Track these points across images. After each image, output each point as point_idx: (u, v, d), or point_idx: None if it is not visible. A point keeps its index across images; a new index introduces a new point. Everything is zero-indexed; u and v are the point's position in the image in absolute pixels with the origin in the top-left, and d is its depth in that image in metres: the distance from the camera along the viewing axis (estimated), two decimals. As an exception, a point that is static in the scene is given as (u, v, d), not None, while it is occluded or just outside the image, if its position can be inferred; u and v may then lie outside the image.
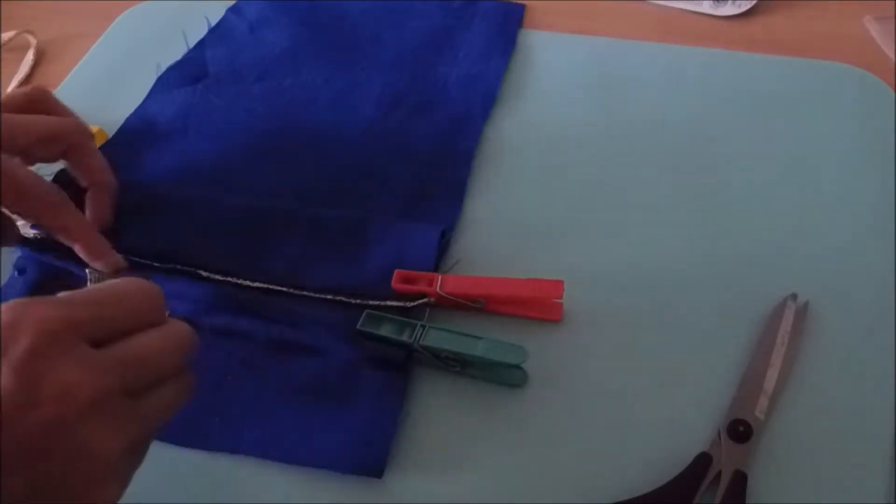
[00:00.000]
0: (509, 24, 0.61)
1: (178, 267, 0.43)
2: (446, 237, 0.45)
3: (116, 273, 0.42)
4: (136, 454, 0.28)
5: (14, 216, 0.44)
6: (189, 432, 0.38)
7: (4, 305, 0.26)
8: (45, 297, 0.27)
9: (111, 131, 0.53)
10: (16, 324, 0.25)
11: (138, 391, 0.28)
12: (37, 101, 0.43)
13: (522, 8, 0.63)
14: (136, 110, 0.55)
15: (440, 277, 0.41)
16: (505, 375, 0.39)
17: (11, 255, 0.45)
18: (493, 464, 0.37)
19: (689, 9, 0.63)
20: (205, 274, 0.43)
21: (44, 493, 0.25)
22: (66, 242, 0.42)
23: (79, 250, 0.42)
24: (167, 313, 0.31)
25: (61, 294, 0.28)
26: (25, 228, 0.45)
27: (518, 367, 0.38)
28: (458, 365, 0.39)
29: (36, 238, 0.44)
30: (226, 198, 0.47)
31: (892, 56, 0.58)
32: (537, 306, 0.42)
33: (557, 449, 0.37)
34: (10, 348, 0.25)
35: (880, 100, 0.54)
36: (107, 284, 0.30)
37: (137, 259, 0.44)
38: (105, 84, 0.58)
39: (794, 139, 0.51)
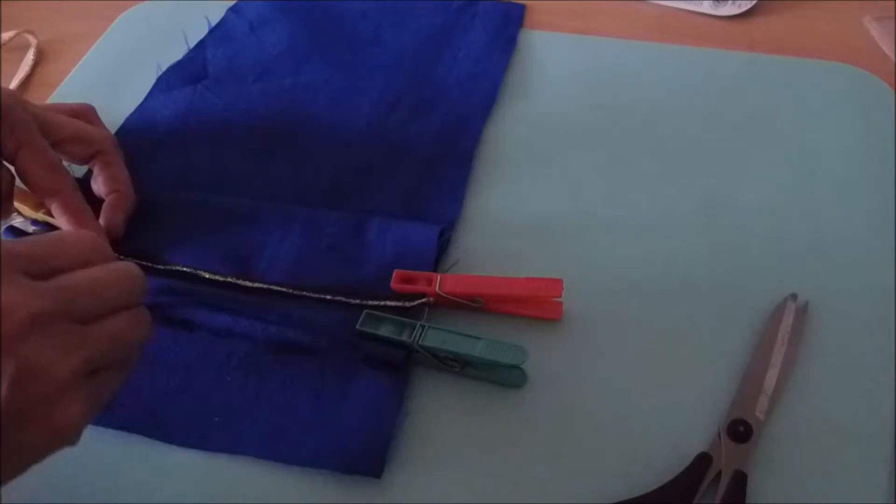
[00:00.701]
0: (509, 25, 0.61)
1: (179, 268, 0.43)
2: (445, 236, 0.45)
3: None
4: (95, 380, 0.29)
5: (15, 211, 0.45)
6: (189, 432, 0.38)
7: None
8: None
9: (111, 131, 0.53)
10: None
11: (84, 318, 0.29)
12: (81, 114, 0.48)
13: (522, 8, 0.63)
14: (136, 110, 0.55)
15: (439, 277, 0.41)
16: (504, 375, 0.39)
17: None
18: (492, 464, 0.37)
19: (689, 9, 0.63)
20: (206, 275, 0.43)
21: (7, 417, 0.25)
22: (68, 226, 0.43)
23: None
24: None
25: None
26: (25, 225, 0.45)
27: (517, 367, 0.38)
28: (457, 365, 0.39)
29: (35, 234, 0.44)
30: (226, 198, 0.47)
31: (892, 56, 0.58)
32: (537, 305, 0.42)
33: (557, 449, 0.37)
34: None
35: (880, 100, 0.54)
36: (49, 233, 0.31)
37: (138, 261, 0.44)
38: (105, 84, 0.57)
39: (794, 139, 0.51)
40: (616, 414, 0.38)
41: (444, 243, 0.44)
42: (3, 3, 0.66)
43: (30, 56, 0.61)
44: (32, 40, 0.62)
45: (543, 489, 0.36)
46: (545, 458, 0.37)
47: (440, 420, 0.38)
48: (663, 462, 0.36)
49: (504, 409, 0.38)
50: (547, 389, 0.39)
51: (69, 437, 0.28)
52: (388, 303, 0.41)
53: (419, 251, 0.43)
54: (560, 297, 0.40)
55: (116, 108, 0.54)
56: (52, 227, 0.45)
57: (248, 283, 0.43)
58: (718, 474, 0.35)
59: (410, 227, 0.44)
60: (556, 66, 0.58)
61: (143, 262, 0.43)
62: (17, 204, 0.45)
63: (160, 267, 0.43)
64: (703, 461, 0.36)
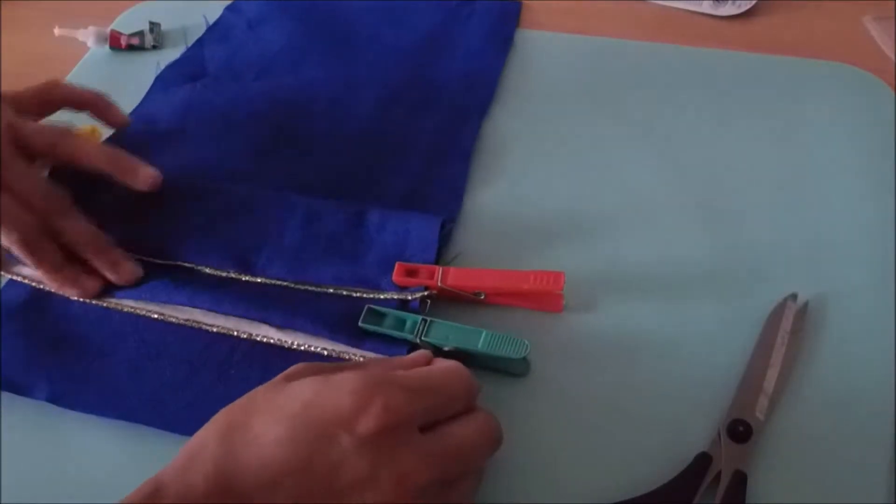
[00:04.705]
0: (506, 22, 0.61)
1: (181, 263, 0.43)
2: (447, 228, 0.45)
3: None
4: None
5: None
6: (190, 422, 0.37)
7: (352, 381, 0.30)
8: (388, 378, 0.30)
9: (109, 130, 0.52)
10: (364, 405, 0.29)
11: (450, 482, 0.30)
12: (48, 102, 0.46)
13: (518, 6, 0.63)
14: (135, 109, 0.55)
15: (441, 270, 0.41)
16: (508, 365, 0.39)
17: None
18: (492, 460, 0.37)
19: (689, 9, 0.63)
20: (208, 270, 0.43)
21: None
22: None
23: (99, 267, 0.42)
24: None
25: (399, 373, 0.31)
26: None
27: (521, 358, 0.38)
28: (460, 356, 0.39)
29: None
30: (225, 189, 0.47)
31: (892, 56, 0.58)
32: (538, 298, 0.42)
33: (557, 449, 0.37)
34: (357, 426, 0.28)
35: (880, 100, 0.54)
36: (433, 370, 0.32)
37: (140, 257, 0.44)
38: (105, 83, 0.57)
39: (794, 139, 0.51)
40: (616, 414, 0.38)
41: (445, 236, 0.44)
42: (2, 3, 0.66)
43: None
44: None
45: (543, 488, 0.36)
46: (545, 458, 0.37)
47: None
48: (663, 462, 0.36)
49: (505, 403, 0.38)
50: (547, 386, 0.39)
51: None
52: (390, 295, 0.41)
53: (421, 243, 0.43)
54: (562, 290, 0.40)
55: (116, 107, 0.54)
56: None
57: (250, 279, 0.43)
58: (718, 474, 0.35)
59: (412, 218, 0.44)
60: (556, 66, 0.58)
61: (145, 258, 0.43)
62: None
63: (161, 262, 0.43)
64: (703, 461, 0.35)
